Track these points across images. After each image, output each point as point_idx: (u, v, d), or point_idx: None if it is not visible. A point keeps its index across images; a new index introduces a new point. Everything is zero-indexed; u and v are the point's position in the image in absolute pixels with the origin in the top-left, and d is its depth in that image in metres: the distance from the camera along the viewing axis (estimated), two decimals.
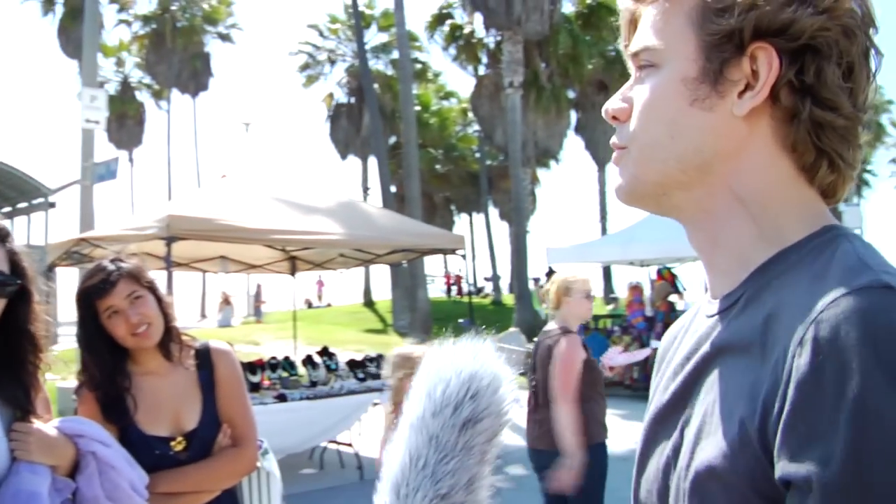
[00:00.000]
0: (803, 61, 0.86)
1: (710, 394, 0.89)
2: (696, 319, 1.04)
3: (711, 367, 0.90)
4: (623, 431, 11.34)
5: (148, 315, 2.64)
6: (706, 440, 0.86)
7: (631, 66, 1.00)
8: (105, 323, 2.61)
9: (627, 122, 0.98)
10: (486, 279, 41.17)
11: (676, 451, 0.93)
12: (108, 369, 2.61)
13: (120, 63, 42.04)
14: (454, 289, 37.59)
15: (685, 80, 0.92)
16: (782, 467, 0.76)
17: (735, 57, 0.89)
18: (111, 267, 2.66)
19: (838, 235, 0.88)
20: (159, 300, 2.71)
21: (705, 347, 0.93)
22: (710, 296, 1.00)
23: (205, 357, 2.82)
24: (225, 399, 2.77)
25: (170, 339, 2.73)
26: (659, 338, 13.96)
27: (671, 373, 1.01)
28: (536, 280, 20.22)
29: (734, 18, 0.87)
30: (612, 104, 1.00)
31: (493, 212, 42.04)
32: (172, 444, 2.63)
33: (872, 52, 0.90)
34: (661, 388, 1.01)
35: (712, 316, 0.96)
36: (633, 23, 1.00)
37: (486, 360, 0.93)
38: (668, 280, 16.45)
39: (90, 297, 2.61)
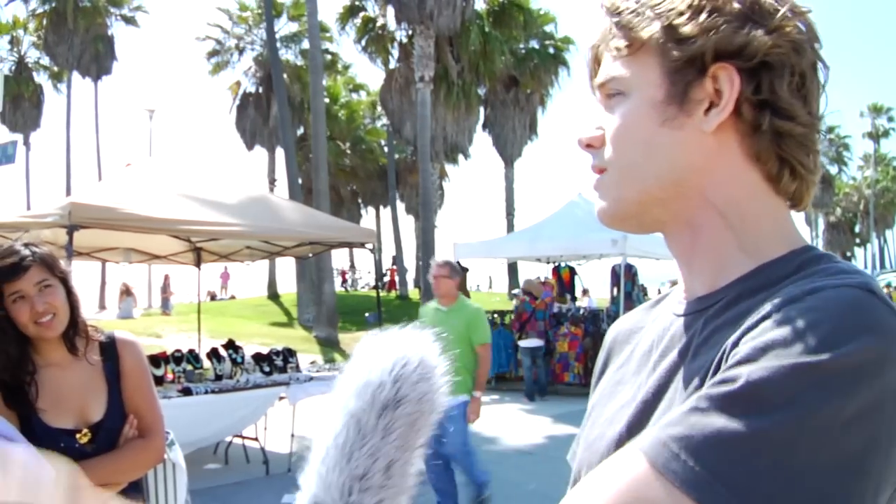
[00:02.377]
0: (760, 77, 0.93)
1: (683, 384, 0.93)
2: (661, 318, 1.08)
3: (691, 361, 0.94)
4: (527, 426, 11.55)
5: (55, 305, 2.60)
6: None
7: (598, 98, 1.05)
8: (9, 307, 2.55)
9: (601, 148, 1.03)
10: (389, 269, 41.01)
11: (630, 433, 0.97)
12: (10, 354, 2.55)
13: (15, 41, 40.46)
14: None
15: (653, 103, 0.97)
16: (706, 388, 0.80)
17: (697, 79, 0.95)
18: (25, 252, 2.61)
19: (822, 255, 0.95)
20: (69, 292, 2.67)
21: (686, 344, 0.97)
22: (683, 297, 1.05)
23: (110, 348, 2.79)
24: (131, 390, 2.74)
25: (75, 332, 2.68)
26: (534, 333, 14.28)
27: (638, 365, 1.06)
28: None
29: (695, 45, 0.94)
30: (586, 133, 1.05)
31: (401, 206, 42.03)
32: (78, 436, 2.59)
33: (820, 65, 0.97)
34: (629, 380, 1.06)
35: (685, 315, 1.01)
36: (597, 59, 1.06)
37: (417, 347, 0.94)
38: (565, 279, 16.77)
39: None
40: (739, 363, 0.78)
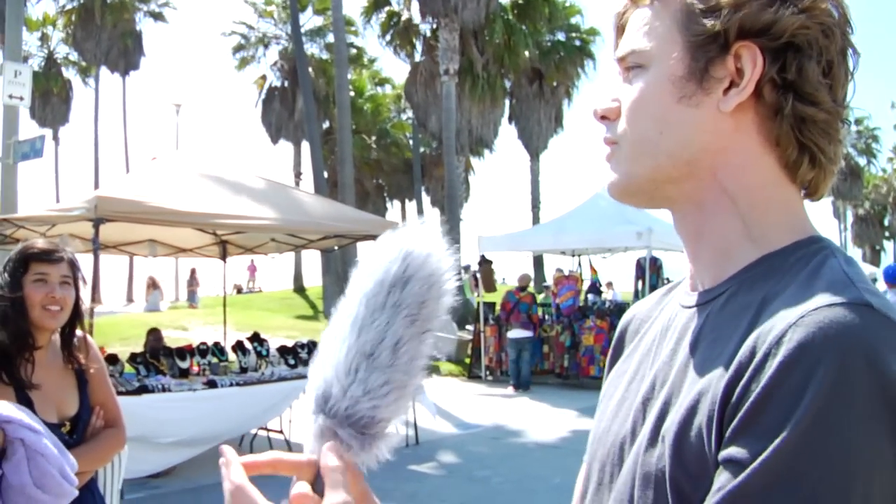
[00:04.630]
0: (785, 59, 0.90)
1: (681, 377, 0.92)
2: (668, 307, 1.07)
3: (690, 357, 0.93)
4: (553, 420, 11.51)
5: (67, 301, 2.81)
6: (668, 419, 0.90)
7: (618, 70, 1.03)
8: (27, 285, 2.74)
9: (616, 120, 1.01)
10: None
11: (635, 428, 0.97)
12: (20, 327, 2.72)
13: (45, 38, 40.79)
14: None
15: (672, 78, 0.95)
16: (727, 450, 0.79)
17: (720, 56, 0.92)
18: (61, 248, 2.86)
19: (824, 248, 0.92)
20: (77, 298, 2.87)
21: (687, 339, 0.96)
22: (688, 287, 1.04)
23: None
24: (95, 384, 2.96)
25: (71, 334, 2.89)
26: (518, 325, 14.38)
27: (641, 357, 1.06)
28: (468, 268, 20.28)
29: (719, 20, 0.91)
30: (601, 104, 1.03)
31: (426, 199, 42.03)
32: (63, 429, 2.75)
33: (850, 51, 0.94)
34: (635, 372, 1.05)
35: (690, 307, 1.00)
36: (621, 29, 1.03)
37: (423, 232, 0.94)
38: (593, 273, 16.73)
39: (30, 257, 2.78)
40: (749, 433, 0.78)
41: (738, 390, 0.80)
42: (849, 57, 0.94)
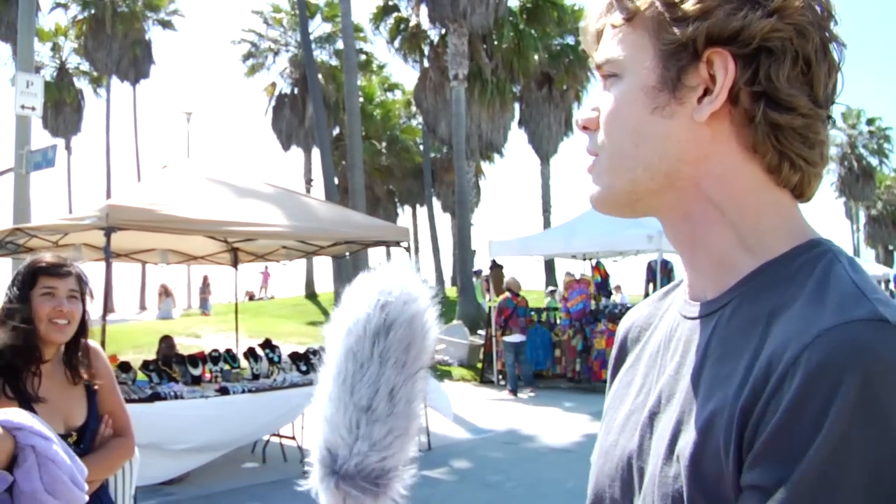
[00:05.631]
0: (758, 63, 0.88)
1: (691, 394, 0.90)
2: (669, 315, 1.06)
3: (698, 373, 0.91)
4: (566, 424, 11.48)
5: (74, 315, 2.83)
6: (682, 438, 0.88)
7: (599, 77, 1.02)
8: (35, 298, 2.76)
9: (597, 130, 0.99)
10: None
11: (642, 443, 0.96)
12: (28, 341, 2.73)
13: (56, 48, 41.05)
14: None
15: (645, 89, 0.93)
16: (750, 475, 0.78)
17: (692, 64, 0.90)
18: (68, 263, 2.89)
19: (827, 252, 0.90)
20: (84, 312, 2.90)
21: (692, 352, 0.94)
22: (688, 296, 1.01)
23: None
24: (104, 394, 2.97)
25: (76, 347, 2.90)
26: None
27: (646, 369, 1.04)
28: (479, 273, 20.26)
29: (688, 28, 0.89)
30: (582, 114, 1.02)
31: (437, 204, 42.05)
32: (69, 440, 2.74)
33: (833, 45, 0.91)
34: (640, 385, 1.03)
35: (693, 318, 0.98)
36: (598, 35, 1.01)
37: (397, 275, 0.95)
38: (602, 275, 16.66)
39: (38, 271, 2.80)
40: (771, 458, 0.77)
41: (755, 414, 0.79)
42: (832, 51, 0.91)
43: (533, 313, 15.75)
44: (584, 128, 1.02)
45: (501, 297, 15.10)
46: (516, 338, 14.48)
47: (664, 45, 0.91)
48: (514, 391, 14.35)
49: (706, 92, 0.90)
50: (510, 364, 14.57)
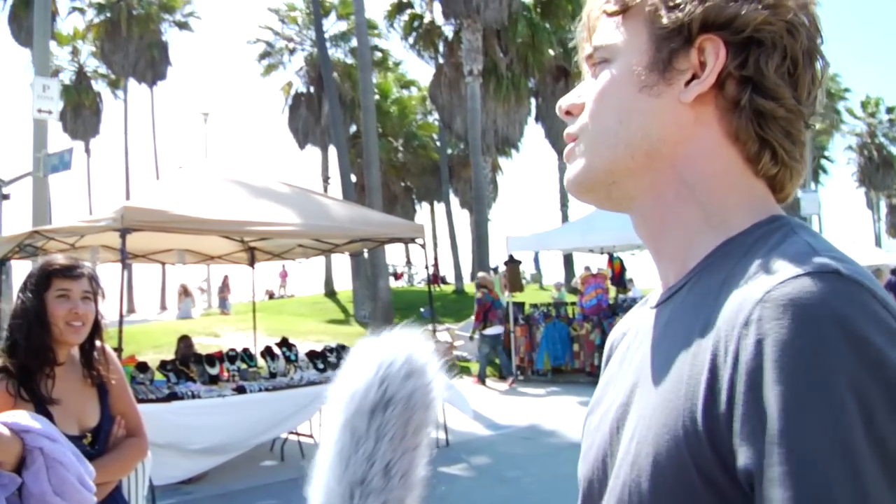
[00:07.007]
0: (748, 53, 0.90)
1: (649, 380, 0.90)
2: (643, 312, 1.06)
3: (656, 357, 0.91)
4: (583, 419, 11.47)
5: (88, 317, 2.84)
6: (639, 427, 0.88)
7: (586, 71, 1.03)
8: (50, 301, 2.77)
9: (579, 115, 1.01)
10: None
11: (611, 439, 0.95)
12: (44, 342, 2.76)
13: (75, 52, 41.43)
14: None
15: (635, 68, 0.95)
16: (743, 460, 0.75)
17: (683, 48, 0.92)
18: (80, 264, 2.90)
19: (786, 224, 0.89)
20: (97, 313, 2.91)
21: (650, 338, 0.95)
22: (661, 289, 1.01)
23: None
24: (116, 395, 2.98)
25: (91, 347, 2.92)
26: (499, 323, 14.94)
27: (619, 366, 1.04)
28: (496, 269, 20.23)
29: (683, 12, 0.91)
30: (566, 100, 1.03)
31: (454, 200, 42.09)
32: (84, 441, 2.77)
33: (819, 59, 0.93)
34: (613, 382, 1.03)
35: (656, 307, 0.99)
36: (591, 31, 1.03)
37: (403, 346, 0.93)
38: (615, 270, 16.60)
39: (51, 274, 2.81)
40: (751, 438, 0.74)
41: (723, 394, 0.77)
42: (816, 63, 0.93)
43: (551, 308, 15.77)
44: (567, 113, 1.03)
45: (478, 293, 15.54)
46: (496, 329, 15.05)
47: (658, 28, 0.94)
48: (481, 379, 15.07)
49: (693, 77, 0.92)
50: (484, 355, 15.16)
